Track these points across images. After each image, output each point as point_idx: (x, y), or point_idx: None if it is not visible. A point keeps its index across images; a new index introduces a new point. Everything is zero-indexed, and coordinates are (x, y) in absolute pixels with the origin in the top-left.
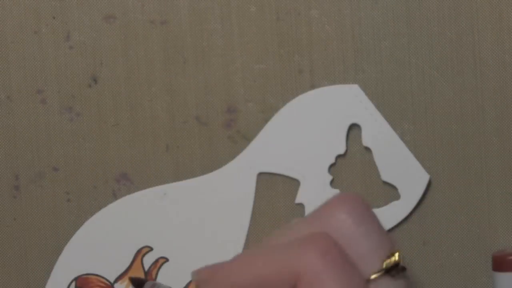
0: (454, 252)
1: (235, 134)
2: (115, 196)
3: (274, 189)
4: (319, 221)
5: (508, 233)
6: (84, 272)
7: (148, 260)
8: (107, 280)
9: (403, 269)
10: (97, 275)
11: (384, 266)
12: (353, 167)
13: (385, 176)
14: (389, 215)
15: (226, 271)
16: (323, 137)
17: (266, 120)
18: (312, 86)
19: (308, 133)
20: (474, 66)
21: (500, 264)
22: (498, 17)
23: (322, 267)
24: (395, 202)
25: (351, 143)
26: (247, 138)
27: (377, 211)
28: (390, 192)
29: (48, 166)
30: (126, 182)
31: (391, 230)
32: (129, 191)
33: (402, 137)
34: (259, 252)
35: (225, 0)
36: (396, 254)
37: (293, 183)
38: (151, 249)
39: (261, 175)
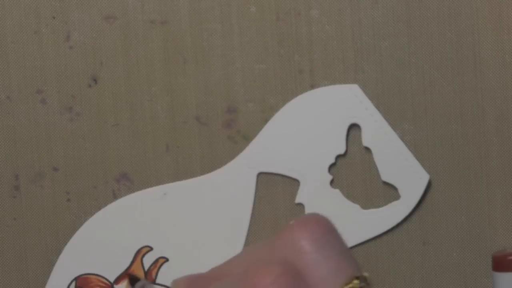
0: (454, 252)
1: (235, 134)
2: (115, 196)
3: (274, 189)
4: (279, 246)
5: (508, 233)
6: (84, 272)
7: (148, 260)
8: (107, 280)
9: None
10: (97, 275)
11: None
12: (353, 167)
13: (385, 176)
14: (389, 215)
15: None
16: (323, 137)
17: (266, 120)
18: (312, 86)
19: (308, 133)
20: (474, 66)
21: (500, 264)
22: (498, 17)
23: None
24: (395, 202)
25: (351, 143)
26: (247, 138)
27: (377, 211)
28: (390, 192)
29: (48, 166)
30: (126, 182)
31: (391, 230)
32: (129, 191)
33: (402, 137)
34: (223, 273)
35: (225, 0)
36: (354, 281)
37: (293, 183)
38: (151, 249)
39: (261, 175)
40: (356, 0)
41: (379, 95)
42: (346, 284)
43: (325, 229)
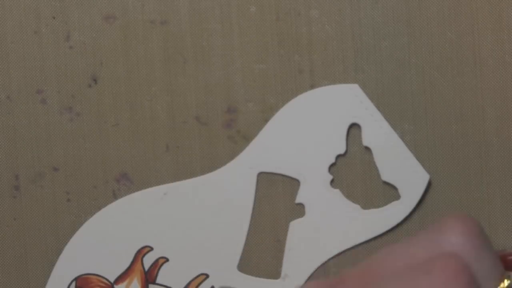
0: None
1: (235, 134)
2: (115, 196)
3: (274, 189)
4: (436, 244)
5: (508, 233)
6: (84, 272)
7: (148, 260)
8: (107, 280)
9: None
10: (97, 275)
11: None
12: (353, 167)
13: (385, 176)
14: (389, 215)
15: None
16: (323, 137)
17: (266, 120)
18: (312, 86)
19: (308, 133)
20: (474, 66)
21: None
22: (498, 17)
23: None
24: (395, 202)
25: (351, 143)
26: (247, 138)
27: (377, 211)
28: (390, 192)
29: (48, 166)
30: (126, 182)
31: (391, 230)
32: (129, 191)
33: (402, 137)
34: (369, 275)
35: (225, 0)
36: (505, 281)
37: (293, 183)
38: (151, 249)
39: (261, 175)
40: (356, 0)
41: (379, 95)
42: (501, 280)
43: (479, 226)
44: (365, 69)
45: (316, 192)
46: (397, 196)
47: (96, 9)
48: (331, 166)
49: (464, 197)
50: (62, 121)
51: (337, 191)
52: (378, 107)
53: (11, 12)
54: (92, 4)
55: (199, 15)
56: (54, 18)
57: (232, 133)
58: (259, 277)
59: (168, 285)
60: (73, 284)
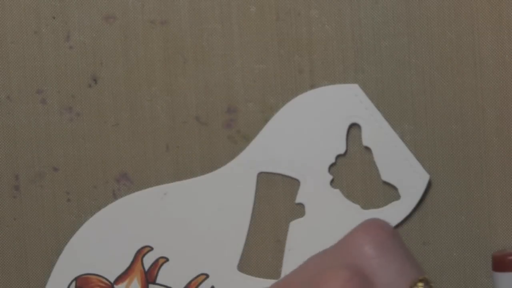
0: (454, 252)
1: (235, 134)
2: (115, 196)
3: (274, 189)
4: (343, 253)
5: (508, 233)
6: (84, 272)
7: (148, 260)
8: (107, 280)
9: None
10: (97, 275)
11: None
12: (353, 167)
13: (385, 176)
14: (389, 215)
15: None
16: (323, 137)
17: (266, 120)
18: (312, 86)
19: (308, 133)
20: (474, 66)
21: (500, 264)
22: (498, 17)
23: None
24: (395, 202)
25: (351, 143)
26: (247, 138)
27: (377, 211)
28: (390, 192)
29: (48, 166)
30: (126, 182)
31: None
32: (129, 191)
33: (402, 137)
34: (290, 283)
35: (225, 0)
36: (418, 284)
37: (293, 183)
38: (151, 249)
39: (261, 175)
40: (356, 0)
41: (379, 95)
42: (411, 287)
43: (387, 233)
44: (365, 69)
45: (316, 192)
46: (397, 196)
47: (96, 9)
48: (331, 166)
49: (464, 197)
50: (62, 121)
51: (337, 191)
52: (378, 107)
53: (11, 12)
54: (92, 4)
55: (199, 15)
56: (54, 18)
57: (232, 133)
58: (259, 277)
59: (168, 285)
60: (73, 284)
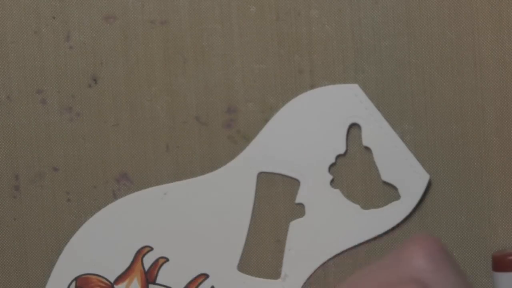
0: (454, 252)
1: (235, 134)
2: (115, 196)
3: (274, 189)
4: (400, 266)
5: (508, 233)
6: (84, 272)
7: (148, 260)
8: (107, 280)
9: None
10: (97, 275)
11: None
12: (353, 167)
13: (385, 176)
14: (389, 215)
15: None
16: (323, 137)
17: (266, 120)
18: (312, 86)
19: (308, 133)
20: (474, 66)
21: (500, 264)
22: (498, 17)
23: None
24: (395, 202)
25: (351, 143)
26: (247, 138)
27: (377, 211)
28: (390, 192)
29: (48, 166)
30: (126, 182)
31: (391, 230)
32: (129, 191)
33: (402, 137)
34: None
35: (225, 0)
36: None
37: (293, 183)
38: (151, 249)
39: (261, 174)
40: (356, 0)
41: (379, 95)
42: None
43: (439, 246)
44: (365, 69)
45: (316, 192)
46: (397, 196)
47: (96, 9)
48: (331, 166)
49: (464, 197)
50: (62, 121)
51: (337, 191)
52: (378, 107)
53: (11, 12)
54: (92, 4)
55: (199, 15)
56: (54, 18)
57: (232, 133)
58: (259, 277)
59: (168, 285)
60: (73, 284)
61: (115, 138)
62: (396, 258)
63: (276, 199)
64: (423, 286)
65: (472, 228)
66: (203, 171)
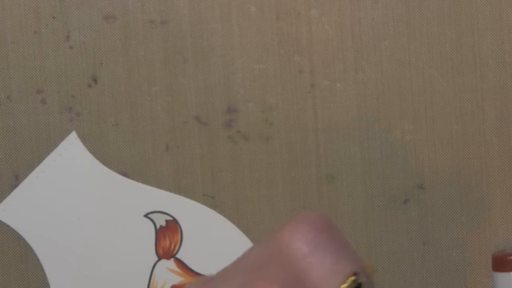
0: (454, 252)
1: (235, 134)
2: None
3: (274, 189)
4: (275, 252)
5: (508, 233)
6: None
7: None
8: None
9: (360, 285)
10: None
11: None
12: (353, 167)
13: None
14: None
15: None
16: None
17: (266, 120)
18: (312, 86)
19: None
20: (474, 66)
21: (500, 264)
22: (498, 17)
23: None
24: None
25: (351, 143)
26: (247, 138)
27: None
28: (390, 192)
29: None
30: None
31: (391, 230)
32: None
33: (402, 137)
34: (228, 276)
35: (225, 0)
36: (351, 278)
37: (293, 183)
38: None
39: (261, 174)
40: (356, 0)
41: (379, 95)
42: (343, 283)
43: (318, 229)
44: (365, 69)
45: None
46: (397, 196)
47: (96, 9)
48: (331, 166)
49: (464, 197)
50: (62, 121)
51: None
52: (378, 107)
53: (11, 12)
54: (92, 4)
55: (199, 15)
56: (54, 18)
57: (232, 133)
58: None
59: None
60: None
61: (115, 138)
62: (276, 241)
63: (276, 199)
64: (293, 275)
65: (472, 228)
66: (203, 171)
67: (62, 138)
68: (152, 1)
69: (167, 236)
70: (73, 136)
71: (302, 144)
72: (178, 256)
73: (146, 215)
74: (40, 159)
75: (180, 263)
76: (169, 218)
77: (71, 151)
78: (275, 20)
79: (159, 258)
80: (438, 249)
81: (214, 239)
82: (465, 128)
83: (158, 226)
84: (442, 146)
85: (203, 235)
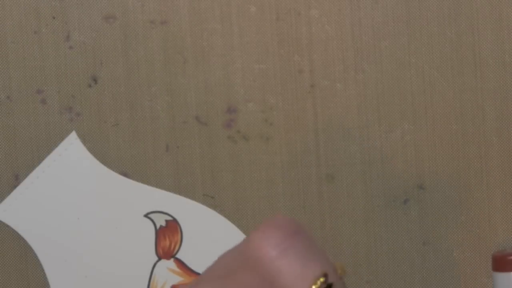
0: (454, 252)
1: (235, 134)
2: None
3: (274, 189)
4: (246, 257)
5: (508, 233)
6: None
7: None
8: None
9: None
10: None
11: None
12: (353, 167)
13: None
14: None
15: None
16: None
17: (266, 120)
18: (312, 86)
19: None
20: (474, 66)
21: (500, 264)
22: (498, 17)
23: None
24: None
25: (351, 142)
26: (247, 138)
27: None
28: (390, 192)
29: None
30: None
31: (391, 230)
32: None
33: (402, 137)
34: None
35: (225, 0)
36: (320, 280)
37: (294, 183)
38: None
39: (261, 174)
40: (356, 0)
41: (379, 95)
42: (313, 285)
43: (286, 233)
44: (365, 69)
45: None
46: (397, 196)
47: (96, 9)
48: (331, 165)
49: (464, 197)
50: (62, 121)
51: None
52: (378, 107)
53: (11, 12)
54: (92, 4)
55: (199, 15)
56: (54, 18)
57: (232, 133)
58: None
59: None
60: None
61: (115, 138)
62: (246, 245)
63: (276, 199)
64: (263, 279)
65: (472, 228)
66: (203, 171)
67: (62, 138)
68: (152, 1)
69: (167, 236)
70: (73, 136)
71: (302, 144)
72: (178, 256)
73: (146, 215)
74: (40, 159)
75: (180, 263)
76: (169, 218)
77: (71, 151)
78: (275, 20)
79: (159, 258)
80: (438, 249)
81: (214, 239)
82: (465, 128)
83: (158, 226)
84: (442, 146)
85: (203, 235)
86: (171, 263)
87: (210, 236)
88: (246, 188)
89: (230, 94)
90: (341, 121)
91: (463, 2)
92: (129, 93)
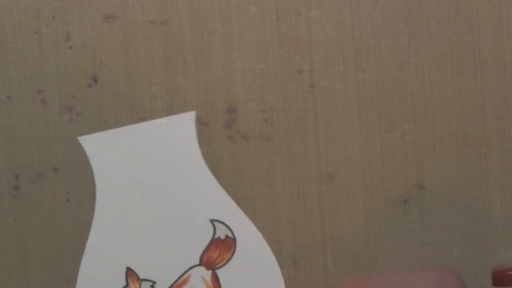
0: (454, 252)
1: (235, 134)
2: None
3: (274, 189)
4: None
5: (508, 233)
6: None
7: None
8: None
9: None
10: None
11: None
12: (353, 167)
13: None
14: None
15: None
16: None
17: (266, 120)
18: (312, 86)
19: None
20: (474, 66)
21: (500, 279)
22: (498, 17)
23: None
24: None
25: (350, 142)
26: (247, 138)
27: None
28: (390, 192)
29: (48, 166)
30: None
31: (391, 230)
32: None
33: (402, 137)
34: None
35: (225, 0)
36: None
37: (294, 183)
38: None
39: (261, 174)
40: (356, 0)
41: (379, 95)
42: None
43: (451, 280)
44: (365, 69)
45: None
46: (397, 196)
47: (96, 9)
48: (331, 165)
49: (464, 197)
50: (62, 121)
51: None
52: (378, 107)
53: (11, 12)
54: (92, 4)
55: (199, 15)
56: (54, 18)
57: (232, 133)
58: None
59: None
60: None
61: None
62: (424, 278)
63: (276, 199)
64: None
65: (472, 228)
66: None
67: (62, 138)
68: (152, 1)
69: (218, 250)
70: (191, 115)
71: (302, 144)
72: (218, 271)
73: (212, 220)
74: (40, 159)
75: (215, 278)
76: (229, 234)
77: (180, 126)
78: (275, 20)
79: (200, 263)
80: (438, 249)
81: (257, 277)
82: (465, 128)
83: (216, 236)
84: (442, 146)
85: (251, 266)
86: (208, 274)
87: (255, 272)
88: (246, 188)
89: (230, 94)
90: (341, 121)
91: (463, 2)
92: (129, 93)
